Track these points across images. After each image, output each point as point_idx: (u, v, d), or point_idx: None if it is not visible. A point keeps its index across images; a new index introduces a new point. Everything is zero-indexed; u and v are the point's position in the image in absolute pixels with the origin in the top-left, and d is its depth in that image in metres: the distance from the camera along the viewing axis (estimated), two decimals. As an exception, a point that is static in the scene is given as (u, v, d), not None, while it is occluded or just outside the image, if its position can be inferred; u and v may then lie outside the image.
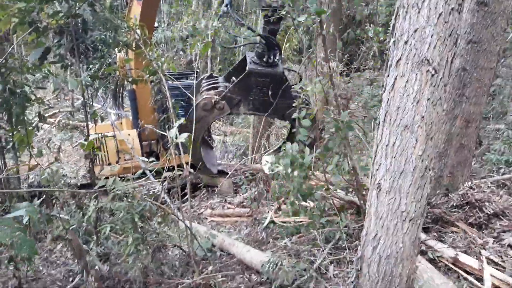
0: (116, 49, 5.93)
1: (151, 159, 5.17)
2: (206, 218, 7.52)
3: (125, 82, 7.60)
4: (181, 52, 17.32)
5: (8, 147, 5.63)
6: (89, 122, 5.29)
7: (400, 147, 2.32)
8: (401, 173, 2.35)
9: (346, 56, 10.49)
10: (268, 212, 7.06)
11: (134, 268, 4.11)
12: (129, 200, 4.02)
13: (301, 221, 5.80)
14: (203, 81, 5.57)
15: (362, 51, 12.06)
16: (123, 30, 4.73)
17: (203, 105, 5.03)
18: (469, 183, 4.51)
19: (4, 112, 5.66)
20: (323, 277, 3.66)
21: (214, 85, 5.68)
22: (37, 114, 5.65)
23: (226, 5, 5.26)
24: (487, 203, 4.13)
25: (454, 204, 4.22)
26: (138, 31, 4.58)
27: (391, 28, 2.26)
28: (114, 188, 3.94)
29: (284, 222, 5.86)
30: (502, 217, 4.11)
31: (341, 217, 4.39)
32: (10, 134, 5.70)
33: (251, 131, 11.37)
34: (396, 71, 2.25)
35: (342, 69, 8.57)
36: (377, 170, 2.47)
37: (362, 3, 13.44)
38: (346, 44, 12.68)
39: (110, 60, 5.42)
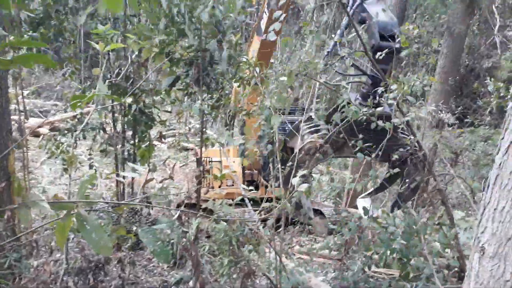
0: (233, 82, 6.46)
1: (251, 187, 5.45)
2: (294, 254, 7.57)
3: (237, 112, 8.18)
4: (289, 89, 17.92)
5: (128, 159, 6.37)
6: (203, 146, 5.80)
7: (509, 212, 2.24)
8: (508, 240, 2.26)
9: (459, 108, 10.03)
10: (358, 259, 6.91)
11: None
12: (229, 224, 4.30)
13: (392, 274, 5.60)
14: (302, 124, 5.42)
15: (478, 106, 11.39)
16: (244, 67, 5.17)
17: (307, 149, 4.87)
18: None
19: (131, 128, 6.45)
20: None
21: (314, 128, 5.52)
22: (158, 133, 6.35)
23: (334, 45, 5.17)
24: None
25: None
26: (257, 69, 4.98)
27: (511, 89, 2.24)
28: (217, 210, 4.27)
29: (375, 272, 5.71)
30: None
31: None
32: (133, 148, 6.44)
33: (349, 173, 11.26)
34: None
35: (453, 121, 8.21)
36: (482, 233, 2.39)
37: (483, 55, 12.80)
38: (461, 97, 12.09)
39: (228, 91, 5.94)
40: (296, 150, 4.70)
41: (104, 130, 6.39)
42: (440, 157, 8.96)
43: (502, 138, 2.30)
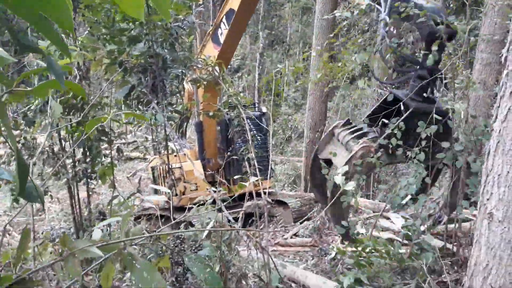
0: (184, 83, 6.26)
1: (219, 188, 5.33)
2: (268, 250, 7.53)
3: (189, 114, 7.99)
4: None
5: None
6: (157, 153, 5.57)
7: (514, 176, 2.36)
8: (516, 202, 2.38)
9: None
10: (332, 242, 7.05)
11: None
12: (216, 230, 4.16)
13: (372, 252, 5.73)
14: (338, 129, 4.67)
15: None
16: (202, 68, 5.02)
17: (360, 156, 4.16)
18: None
19: (82, 146, 6.06)
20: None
21: (359, 132, 4.72)
22: (115, 148, 6.00)
23: (383, 38, 4.55)
24: None
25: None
26: (217, 68, 4.86)
27: (503, 60, 2.34)
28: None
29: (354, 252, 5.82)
30: None
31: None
32: (88, 168, 6.06)
33: (304, 161, 11.46)
34: (509, 101, 2.30)
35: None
36: (487, 199, 2.49)
37: None
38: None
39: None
40: (339, 161, 4.04)
41: (53, 152, 5.97)
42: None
43: (498, 106, 2.39)
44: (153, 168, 8.40)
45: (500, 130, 2.38)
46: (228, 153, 7.14)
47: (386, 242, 4.83)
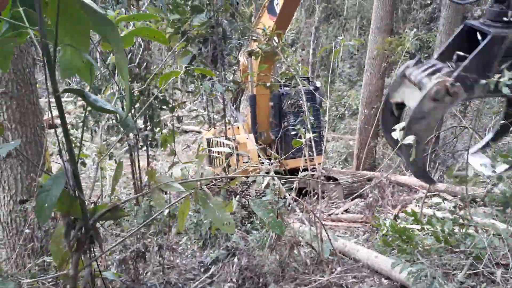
0: (239, 56, 6.31)
1: (272, 161, 5.40)
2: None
3: (244, 87, 8.09)
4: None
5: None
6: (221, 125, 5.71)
7: None
8: None
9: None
10: (385, 219, 6.98)
11: (273, 262, 4.34)
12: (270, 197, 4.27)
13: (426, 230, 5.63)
14: (409, 69, 4.53)
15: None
16: (260, 38, 5.05)
17: (435, 93, 4.10)
18: None
19: (143, 114, 6.33)
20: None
21: (432, 68, 4.52)
22: (175, 117, 6.24)
23: None
24: None
25: None
26: (276, 39, 4.87)
27: None
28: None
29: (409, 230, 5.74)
30: None
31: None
32: (150, 135, 6.34)
33: (357, 138, 11.29)
34: None
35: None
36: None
37: None
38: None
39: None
40: (411, 102, 3.85)
41: (117, 120, 6.27)
42: (452, 111, 9.00)
43: None
44: (208, 140, 8.62)
45: None
46: (281, 127, 7.20)
47: (435, 221, 4.74)
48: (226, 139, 5.05)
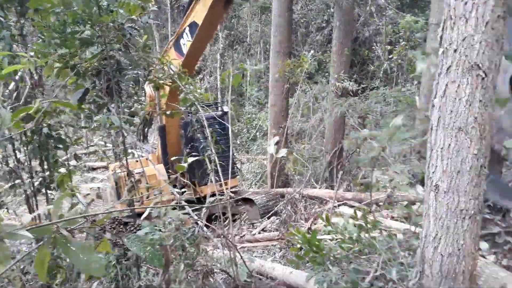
0: (145, 86, 6.16)
1: (183, 190, 5.30)
2: (236, 245, 7.56)
3: (152, 118, 7.90)
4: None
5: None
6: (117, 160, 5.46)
7: (455, 148, 2.48)
8: (458, 173, 2.50)
9: (355, 76, 10.83)
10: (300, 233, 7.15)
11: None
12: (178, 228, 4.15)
13: (336, 239, 5.85)
14: None
15: (371, 70, 12.42)
16: (157, 67, 4.97)
17: None
18: None
19: (38, 156, 5.89)
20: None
21: None
22: (73, 155, 5.87)
23: None
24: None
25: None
26: (172, 67, 4.83)
27: (439, 39, 2.45)
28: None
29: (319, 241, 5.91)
30: None
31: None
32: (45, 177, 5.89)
33: (269, 157, 11.54)
34: (447, 77, 2.43)
35: (356, 88, 8.85)
36: (433, 172, 2.61)
37: (363, 24, 13.89)
38: (357, 64, 13.07)
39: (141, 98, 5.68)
40: None
41: (7, 164, 5.76)
42: (350, 123, 9.60)
43: (437, 83, 2.51)
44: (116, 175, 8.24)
45: (439, 106, 2.51)
46: (190, 153, 7.11)
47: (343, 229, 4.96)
48: (127, 173, 4.85)
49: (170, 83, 5.24)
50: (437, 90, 2.51)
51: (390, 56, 9.80)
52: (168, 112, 4.86)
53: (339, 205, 7.63)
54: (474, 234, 2.62)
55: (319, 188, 9.49)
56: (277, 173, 10.69)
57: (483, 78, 2.33)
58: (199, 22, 6.75)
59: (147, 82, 5.78)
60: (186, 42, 7.15)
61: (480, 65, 2.31)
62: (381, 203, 6.78)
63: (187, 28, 7.10)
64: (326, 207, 7.76)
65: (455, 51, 2.37)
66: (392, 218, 6.20)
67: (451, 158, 2.50)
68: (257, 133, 16.09)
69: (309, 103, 12.12)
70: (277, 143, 3.22)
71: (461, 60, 2.35)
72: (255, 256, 6.45)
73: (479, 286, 2.82)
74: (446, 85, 2.44)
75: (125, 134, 5.21)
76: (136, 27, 5.23)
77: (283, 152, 2.83)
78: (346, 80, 9.02)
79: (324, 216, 7.36)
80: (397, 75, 12.19)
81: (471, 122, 2.41)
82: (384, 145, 4.91)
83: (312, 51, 12.09)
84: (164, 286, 3.27)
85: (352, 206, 7.29)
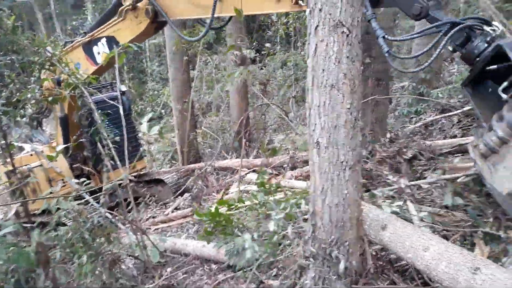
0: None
1: (83, 180, 4.99)
2: (150, 228, 7.41)
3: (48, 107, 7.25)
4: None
5: None
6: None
7: (330, 105, 2.57)
8: (335, 128, 2.61)
9: (254, 43, 10.87)
10: (212, 206, 7.18)
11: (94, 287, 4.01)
12: (75, 219, 3.90)
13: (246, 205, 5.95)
14: None
15: (269, 36, 12.55)
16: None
17: None
18: (388, 135, 5.00)
19: None
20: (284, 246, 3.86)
21: None
22: None
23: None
24: (404, 150, 4.62)
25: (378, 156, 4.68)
26: (49, 48, 4.41)
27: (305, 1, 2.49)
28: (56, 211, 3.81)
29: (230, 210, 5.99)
30: (420, 159, 4.66)
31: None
32: None
33: (177, 134, 11.32)
34: (315, 37, 2.48)
35: (254, 55, 8.89)
36: (313, 130, 2.70)
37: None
38: (252, 31, 13.07)
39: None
40: None
41: None
42: (252, 91, 9.70)
43: (309, 43, 2.56)
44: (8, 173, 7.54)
45: (313, 66, 2.57)
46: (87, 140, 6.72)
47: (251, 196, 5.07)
48: (12, 170, 4.41)
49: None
50: (309, 50, 2.57)
51: (286, 20, 9.96)
52: (50, 99, 4.46)
53: (249, 173, 7.75)
54: (356, 183, 2.79)
55: (230, 159, 9.54)
56: (187, 149, 10.56)
57: (347, 35, 2.41)
58: (120, 41, 6.18)
59: (43, 71, 5.25)
60: (102, 52, 6.54)
61: (344, 22, 2.39)
62: (285, 165, 7.01)
63: (104, 39, 6.48)
64: (236, 176, 7.84)
65: (320, 10, 2.41)
66: (297, 178, 6.44)
67: (327, 115, 2.60)
68: (163, 111, 15.66)
69: (212, 74, 11.99)
70: (150, 120, 3.14)
71: (326, 18, 2.41)
72: (170, 235, 6.36)
73: (365, 230, 3.03)
74: (316, 44, 2.50)
75: (6, 128, 4.72)
76: (2, 7, 4.70)
77: (154, 129, 2.75)
78: (244, 48, 9.02)
79: (235, 185, 7.47)
80: (295, 39, 12.47)
81: (341, 78, 2.50)
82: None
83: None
84: (51, 286, 3.07)
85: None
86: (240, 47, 9.05)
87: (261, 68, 9.94)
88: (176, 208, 7.86)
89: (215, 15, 4.83)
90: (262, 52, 11.05)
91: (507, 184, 2.87)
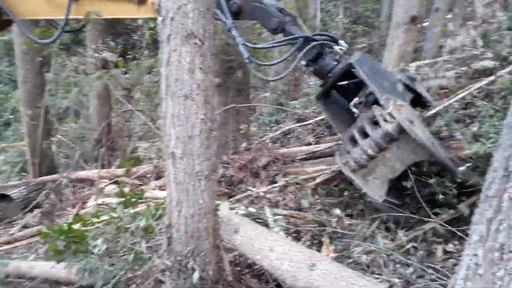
0: None
1: None
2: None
3: None
4: None
5: None
6: None
7: (184, 115, 2.55)
8: (190, 138, 2.59)
9: (119, 47, 10.33)
10: (64, 224, 6.60)
11: None
12: None
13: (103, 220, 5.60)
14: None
15: (135, 40, 12.09)
16: None
17: None
18: (245, 144, 5.22)
19: None
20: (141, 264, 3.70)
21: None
22: None
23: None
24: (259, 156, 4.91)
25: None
26: None
27: (159, 7, 2.43)
28: None
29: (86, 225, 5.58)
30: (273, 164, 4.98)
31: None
32: None
33: (27, 142, 10.13)
34: (168, 46, 2.44)
35: (116, 59, 8.45)
36: (168, 140, 2.64)
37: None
38: (117, 34, 12.43)
39: None
40: None
41: None
42: (115, 96, 9.19)
43: (161, 52, 2.50)
44: None
45: (166, 75, 2.53)
46: None
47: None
48: None
49: None
50: (162, 59, 2.52)
51: (153, 25, 9.71)
52: None
53: (109, 184, 7.32)
54: (212, 192, 2.81)
55: (89, 169, 8.91)
56: (39, 160, 9.55)
57: (200, 46, 2.43)
58: None
59: None
60: None
61: (196, 33, 2.39)
62: (149, 175, 6.81)
63: None
64: (95, 188, 7.34)
65: (172, 19, 2.38)
66: (161, 188, 6.29)
67: (182, 125, 2.57)
68: (12, 116, 13.94)
69: (70, 78, 11.07)
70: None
71: (178, 28, 2.39)
72: (15, 258, 5.67)
73: (221, 237, 3.07)
74: (169, 53, 2.46)
75: None
76: None
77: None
78: (105, 51, 8.52)
79: (93, 198, 6.98)
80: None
81: (195, 89, 2.50)
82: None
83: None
84: None
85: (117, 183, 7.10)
86: (101, 50, 8.54)
87: (125, 73, 9.51)
88: (24, 226, 7.04)
89: (70, 17, 4.49)
90: (127, 57, 10.59)
91: (379, 192, 3.44)
